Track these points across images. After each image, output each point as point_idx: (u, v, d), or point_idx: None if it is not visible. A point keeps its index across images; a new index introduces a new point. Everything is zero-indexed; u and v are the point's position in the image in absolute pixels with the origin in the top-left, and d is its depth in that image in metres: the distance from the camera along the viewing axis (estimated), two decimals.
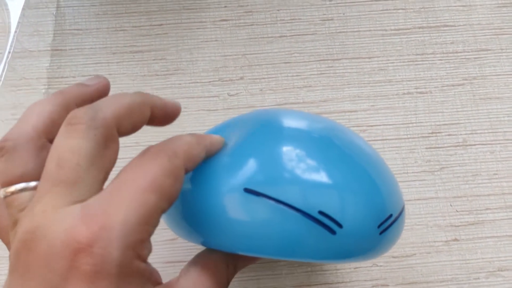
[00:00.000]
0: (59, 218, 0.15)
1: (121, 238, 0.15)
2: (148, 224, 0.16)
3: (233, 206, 0.19)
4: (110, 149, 0.17)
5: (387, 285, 0.29)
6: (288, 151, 0.20)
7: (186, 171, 0.18)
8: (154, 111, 0.19)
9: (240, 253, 0.19)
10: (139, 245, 0.15)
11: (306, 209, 0.18)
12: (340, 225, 0.19)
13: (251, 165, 0.19)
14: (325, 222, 0.18)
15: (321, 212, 0.18)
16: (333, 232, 0.19)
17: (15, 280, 0.15)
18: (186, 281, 0.18)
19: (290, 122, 0.21)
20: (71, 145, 0.16)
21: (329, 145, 0.21)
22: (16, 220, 0.17)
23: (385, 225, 0.20)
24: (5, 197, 0.17)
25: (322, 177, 0.19)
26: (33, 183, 0.17)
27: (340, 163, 0.20)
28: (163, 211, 0.16)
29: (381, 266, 0.30)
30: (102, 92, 0.21)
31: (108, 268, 0.14)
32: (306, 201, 0.18)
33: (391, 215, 0.20)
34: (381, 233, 0.20)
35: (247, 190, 0.19)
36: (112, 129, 0.17)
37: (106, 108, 0.17)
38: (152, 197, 0.16)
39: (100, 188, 0.17)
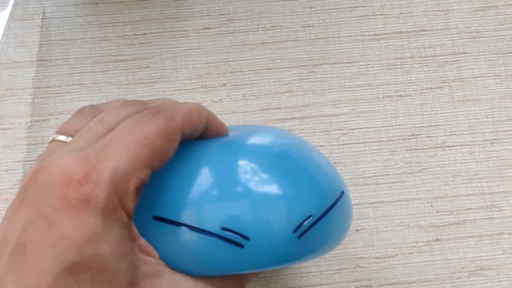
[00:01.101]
0: (64, 158, 0.17)
1: (108, 183, 0.16)
2: (136, 177, 0.17)
3: (147, 234, 0.19)
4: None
5: (371, 286, 0.30)
6: (190, 172, 0.20)
7: (184, 136, 0.19)
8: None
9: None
10: (124, 194, 0.17)
11: (208, 228, 0.19)
12: (246, 238, 0.19)
13: (158, 191, 0.20)
14: (230, 237, 0.19)
15: (224, 229, 0.19)
16: (240, 245, 0.19)
17: (13, 206, 0.17)
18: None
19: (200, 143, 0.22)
20: (116, 112, 0.19)
21: (234, 154, 0.21)
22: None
23: (303, 228, 0.20)
24: (50, 141, 0.21)
25: (221, 193, 0.19)
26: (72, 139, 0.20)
27: (243, 174, 0.20)
28: (153, 168, 0.18)
29: (364, 267, 0.30)
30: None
31: (94, 206, 0.16)
32: (208, 220, 0.19)
33: (310, 216, 0.20)
34: (300, 236, 0.20)
35: (156, 218, 0.19)
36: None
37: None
38: (142, 152, 0.17)
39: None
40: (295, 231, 0.19)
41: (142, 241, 0.18)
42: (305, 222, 0.20)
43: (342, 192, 0.22)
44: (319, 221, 0.20)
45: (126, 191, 0.17)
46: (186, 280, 0.19)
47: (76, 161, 0.17)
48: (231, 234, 0.19)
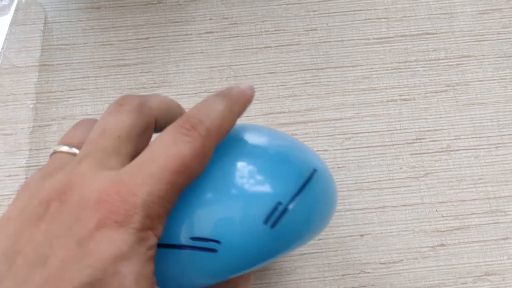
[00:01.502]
0: (95, 180, 0.17)
1: (144, 207, 0.16)
2: (169, 202, 0.17)
3: None
4: (145, 135, 0.20)
5: None
6: None
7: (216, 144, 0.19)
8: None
9: None
10: (157, 218, 0.17)
11: (178, 241, 0.19)
12: (217, 241, 0.18)
13: None
14: (201, 245, 0.18)
15: (193, 238, 0.18)
16: (213, 250, 0.18)
17: (31, 220, 0.17)
18: None
19: None
20: (116, 120, 0.19)
21: None
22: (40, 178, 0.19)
23: (274, 217, 0.19)
24: (51, 154, 0.20)
25: (181, 204, 0.19)
26: (75, 150, 0.20)
27: (198, 180, 0.19)
28: (186, 187, 0.18)
29: (368, 272, 0.30)
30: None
31: (127, 226, 0.16)
32: (175, 234, 0.19)
33: (279, 203, 0.19)
34: (273, 226, 0.19)
35: None
36: (152, 118, 0.20)
37: (152, 101, 0.20)
38: (179, 178, 0.17)
39: (128, 160, 0.18)
40: (266, 222, 0.19)
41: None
42: (276, 211, 0.19)
43: (315, 170, 0.21)
44: (290, 205, 0.19)
45: (159, 215, 0.17)
46: None
47: (110, 185, 0.17)
48: (201, 242, 0.18)
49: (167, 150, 0.17)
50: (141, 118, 0.19)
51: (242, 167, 0.20)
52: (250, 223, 0.19)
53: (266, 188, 0.19)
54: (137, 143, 0.19)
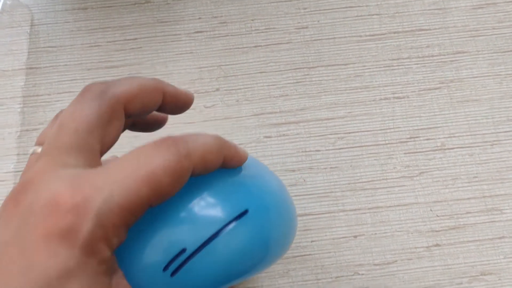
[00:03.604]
0: (50, 178, 0.16)
1: (96, 214, 0.15)
2: (129, 213, 0.15)
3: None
4: (113, 125, 0.18)
5: None
6: None
7: (194, 174, 0.17)
8: (166, 97, 0.20)
9: None
10: (111, 229, 0.15)
11: None
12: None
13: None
14: None
15: None
16: None
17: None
18: None
19: None
20: (73, 110, 0.17)
21: None
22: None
23: (176, 264, 0.17)
24: (30, 154, 0.19)
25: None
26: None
27: None
28: (150, 206, 0.16)
29: (362, 274, 0.29)
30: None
31: (73, 239, 0.15)
32: None
33: (184, 250, 0.17)
34: (173, 274, 0.17)
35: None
36: (118, 105, 0.18)
37: (118, 86, 0.18)
38: (144, 189, 0.15)
39: (95, 159, 0.17)
40: (165, 268, 0.17)
41: (120, 274, 0.17)
42: (177, 258, 0.17)
43: (245, 211, 0.19)
44: (197, 253, 0.17)
45: (115, 225, 0.15)
46: None
47: (66, 187, 0.15)
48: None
49: (138, 159, 0.16)
50: (103, 106, 0.17)
51: (158, 208, 0.18)
52: (150, 269, 0.17)
53: (170, 233, 0.17)
54: (102, 135, 0.17)
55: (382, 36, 0.34)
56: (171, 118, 0.32)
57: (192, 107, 0.32)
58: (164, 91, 0.19)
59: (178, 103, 0.20)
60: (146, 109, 0.19)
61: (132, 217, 0.16)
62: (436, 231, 0.30)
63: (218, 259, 0.18)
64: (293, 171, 0.31)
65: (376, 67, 0.33)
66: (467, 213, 0.30)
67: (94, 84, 0.18)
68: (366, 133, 0.32)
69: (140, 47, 0.33)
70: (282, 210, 0.20)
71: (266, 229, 0.19)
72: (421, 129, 0.32)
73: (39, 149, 0.19)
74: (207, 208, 0.18)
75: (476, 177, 0.31)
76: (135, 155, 0.16)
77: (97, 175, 0.16)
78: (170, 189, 0.16)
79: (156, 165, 0.16)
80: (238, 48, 0.34)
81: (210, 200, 0.18)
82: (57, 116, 0.20)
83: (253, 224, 0.19)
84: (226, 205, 0.18)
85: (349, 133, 0.32)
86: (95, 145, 0.17)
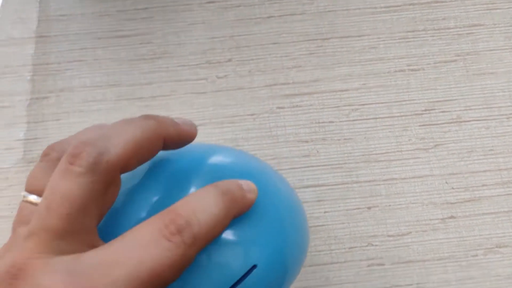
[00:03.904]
0: (44, 270, 0.14)
1: None
2: None
3: None
4: (109, 193, 0.16)
5: (383, 264, 0.29)
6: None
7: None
8: (167, 141, 0.18)
9: None
10: None
11: None
12: None
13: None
14: None
15: None
16: None
17: None
18: None
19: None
20: (63, 190, 0.15)
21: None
22: (13, 229, 0.16)
23: None
24: (22, 202, 0.17)
25: None
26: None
27: None
28: None
29: (376, 245, 0.29)
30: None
31: None
32: None
33: None
34: None
35: None
36: (115, 173, 0.16)
37: (113, 148, 0.16)
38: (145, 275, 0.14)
39: (92, 237, 0.15)
40: None
41: None
42: None
43: (253, 267, 0.18)
44: None
45: None
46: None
47: (63, 286, 0.14)
48: None
49: (141, 253, 0.14)
50: (96, 183, 0.15)
51: None
52: None
53: None
54: (98, 209, 0.16)
55: (398, 8, 0.33)
56: (181, 89, 0.32)
57: (204, 77, 0.32)
58: (164, 136, 0.17)
59: (180, 142, 0.19)
60: (142, 163, 0.17)
61: None
62: (451, 203, 0.30)
63: None
64: (306, 142, 0.31)
65: (391, 39, 0.33)
66: (483, 185, 0.30)
67: (84, 149, 0.15)
68: (380, 105, 0.31)
69: (152, 17, 0.33)
70: (296, 242, 0.19)
71: (280, 276, 0.18)
72: (437, 101, 0.31)
73: (29, 197, 0.17)
74: (210, 268, 0.17)
75: (492, 150, 0.31)
76: (136, 244, 0.15)
77: (95, 270, 0.14)
78: (172, 280, 0.15)
79: (160, 262, 0.14)
80: (251, 18, 0.33)
81: (214, 259, 0.17)
82: (47, 153, 0.17)
83: (263, 278, 0.18)
84: (232, 264, 0.17)
85: (363, 104, 0.31)
86: (91, 223, 0.15)
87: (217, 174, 0.19)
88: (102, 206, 0.16)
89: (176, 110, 0.31)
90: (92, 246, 0.16)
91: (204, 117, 0.31)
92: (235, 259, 0.17)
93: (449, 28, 0.33)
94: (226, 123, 0.31)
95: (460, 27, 0.33)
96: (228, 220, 0.17)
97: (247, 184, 0.18)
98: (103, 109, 0.31)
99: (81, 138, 0.17)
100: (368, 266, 0.29)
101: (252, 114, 0.31)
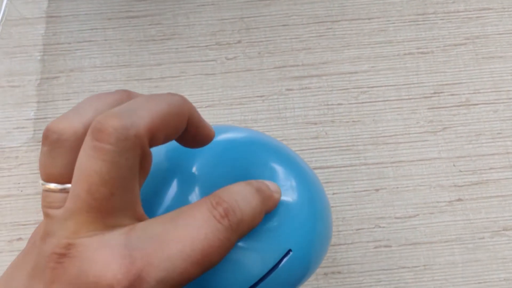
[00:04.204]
0: (97, 246, 0.14)
1: None
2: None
3: None
4: (144, 168, 0.16)
5: (390, 246, 0.29)
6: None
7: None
8: (189, 125, 0.17)
9: None
10: None
11: None
12: None
13: None
14: None
15: None
16: None
17: (36, 284, 0.15)
18: None
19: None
20: (101, 171, 0.14)
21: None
22: (46, 213, 0.16)
23: None
24: (43, 190, 0.17)
25: None
26: (68, 186, 0.16)
27: None
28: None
29: (383, 227, 0.29)
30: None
31: None
32: None
33: None
34: None
35: None
36: (145, 147, 0.15)
37: (140, 119, 0.15)
38: (198, 269, 0.15)
39: (138, 211, 0.16)
40: None
41: None
42: None
43: (288, 251, 0.19)
44: None
45: None
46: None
47: (119, 263, 0.14)
48: None
49: (195, 231, 0.15)
50: (130, 158, 0.15)
51: None
52: None
53: (213, 286, 0.18)
54: (138, 183, 0.16)
55: None
56: (190, 70, 0.32)
57: (213, 58, 0.32)
58: (189, 115, 0.17)
59: (199, 136, 0.18)
60: (168, 140, 0.17)
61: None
62: (459, 186, 0.30)
63: None
64: (315, 124, 0.31)
65: (401, 22, 0.33)
66: (491, 168, 0.30)
67: (108, 121, 0.14)
68: (389, 87, 0.32)
69: None
70: (323, 233, 0.20)
71: (309, 261, 0.19)
72: (446, 84, 0.31)
73: (49, 185, 0.16)
74: (248, 256, 0.18)
75: (500, 133, 0.31)
76: (190, 222, 0.15)
77: (150, 244, 0.14)
78: (218, 262, 0.15)
79: (211, 243, 0.15)
80: (261, 0, 0.33)
81: (251, 247, 0.18)
82: (45, 136, 0.17)
83: (297, 262, 0.19)
84: (270, 249, 0.18)
85: (372, 87, 0.32)
86: (134, 198, 0.15)
87: (251, 167, 0.20)
88: (140, 179, 0.16)
89: (185, 91, 0.31)
90: (139, 219, 0.16)
91: (214, 99, 0.31)
92: (272, 244, 0.18)
93: (458, 12, 0.33)
94: (235, 105, 0.31)
95: (470, 11, 0.33)
96: (263, 214, 0.17)
97: (273, 185, 0.19)
98: (113, 89, 0.31)
99: (92, 108, 0.16)
100: (375, 247, 0.29)
101: (261, 96, 0.31)
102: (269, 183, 0.19)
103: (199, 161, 0.19)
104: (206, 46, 0.32)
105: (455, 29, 0.32)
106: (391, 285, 0.28)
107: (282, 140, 0.31)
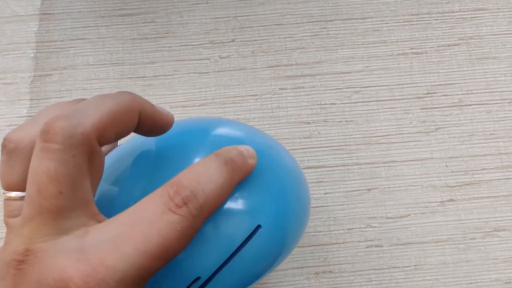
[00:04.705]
0: (54, 251, 0.14)
1: None
2: (139, 285, 0.15)
3: None
4: (94, 166, 0.16)
5: (381, 246, 0.29)
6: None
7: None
8: (142, 118, 0.17)
9: None
10: None
11: None
12: None
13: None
14: None
15: None
16: None
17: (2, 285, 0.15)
18: None
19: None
20: (48, 170, 0.14)
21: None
22: (6, 223, 0.16)
23: None
24: (4, 198, 0.17)
25: None
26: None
27: None
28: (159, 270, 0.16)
29: (375, 227, 0.29)
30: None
31: None
32: None
33: (198, 278, 0.17)
34: None
35: None
36: (93, 144, 0.15)
37: (86, 118, 0.15)
38: (157, 263, 0.15)
39: (91, 209, 0.15)
40: None
41: None
42: (192, 286, 0.17)
43: (258, 227, 0.18)
44: (211, 280, 0.17)
45: None
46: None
47: (75, 264, 0.14)
48: None
49: (148, 228, 0.14)
50: (78, 156, 0.15)
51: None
52: None
53: (182, 263, 0.17)
54: (88, 182, 0.15)
55: None
56: (183, 69, 0.32)
57: (206, 57, 0.32)
58: (140, 110, 0.17)
59: (155, 125, 0.18)
60: (121, 136, 0.17)
61: (141, 287, 0.15)
62: (451, 186, 0.30)
63: (233, 281, 0.17)
64: (308, 123, 0.31)
65: (395, 22, 0.33)
66: (483, 169, 0.30)
67: (55, 123, 0.15)
68: (382, 87, 0.31)
69: None
70: (296, 210, 0.19)
71: (282, 238, 0.19)
72: (439, 85, 0.31)
73: (9, 194, 0.17)
74: (217, 232, 0.17)
75: (492, 134, 0.31)
76: (143, 217, 0.15)
77: (104, 245, 0.14)
78: (180, 251, 0.15)
79: (168, 236, 0.15)
80: None
81: (220, 222, 0.17)
82: (4, 146, 0.17)
83: (267, 238, 0.18)
84: (238, 225, 0.17)
85: (366, 87, 0.32)
86: (86, 196, 0.15)
87: (217, 143, 0.19)
88: (91, 178, 0.16)
89: (178, 89, 0.31)
90: (94, 218, 0.16)
91: (207, 97, 0.31)
92: (240, 220, 0.17)
93: (453, 12, 0.33)
94: (228, 103, 0.31)
95: (464, 11, 0.33)
96: (232, 188, 0.17)
97: (247, 150, 0.18)
98: (106, 87, 0.31)
99: (49, 116, 0.17)
100: (367, 247, 0.29)
101: (254, 95, 0.31)
102: (243, 148, 0.18)
103: (159, 148, 0.19)
104: (200, 44, 0.32)
105: (449, 30, 0.32)
106: (382, 285, 0.28)
107: (275, 139, 0.31)
